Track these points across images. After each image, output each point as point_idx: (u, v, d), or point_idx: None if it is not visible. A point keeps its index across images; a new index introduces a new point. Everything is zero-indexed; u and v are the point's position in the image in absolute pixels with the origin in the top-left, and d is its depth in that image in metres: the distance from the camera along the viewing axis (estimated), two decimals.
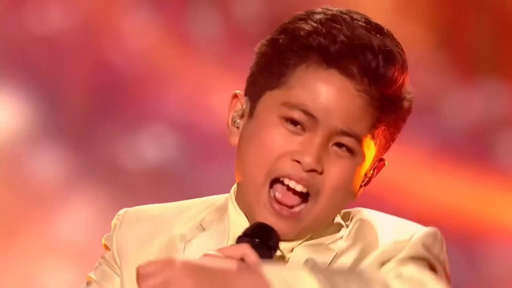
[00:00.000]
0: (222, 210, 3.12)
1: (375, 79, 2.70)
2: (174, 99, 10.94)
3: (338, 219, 3.06)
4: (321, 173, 2.84)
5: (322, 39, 2.79)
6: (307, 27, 2.85)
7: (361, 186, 3.05)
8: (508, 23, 11.93)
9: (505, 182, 9.73)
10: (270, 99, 2.87)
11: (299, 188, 2.84)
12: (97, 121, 10.06)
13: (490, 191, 9.74)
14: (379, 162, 3.12)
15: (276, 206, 2.91)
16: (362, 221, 3.05)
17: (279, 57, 2.84)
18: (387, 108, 2.80)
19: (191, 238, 3.06)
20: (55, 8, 9.94)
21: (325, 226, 3.00)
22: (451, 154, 10.79)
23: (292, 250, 2.89)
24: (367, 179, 3.09)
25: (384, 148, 2.97)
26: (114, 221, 3.07)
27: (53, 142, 9.55)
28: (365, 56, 2.66)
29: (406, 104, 2.84)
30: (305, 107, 2.81)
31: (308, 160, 2.78)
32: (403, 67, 2.75)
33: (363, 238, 2.97)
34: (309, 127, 2.82)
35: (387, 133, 2.93)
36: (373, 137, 2.93)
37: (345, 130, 2.79)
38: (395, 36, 2.86)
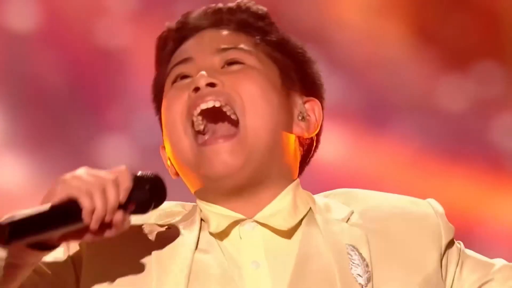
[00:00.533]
0: (191, 214, 3.19)
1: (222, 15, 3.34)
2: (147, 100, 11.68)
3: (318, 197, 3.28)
4: (223, 85, 3.16)
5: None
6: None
7: (297, 120, 3.37)
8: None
9: (498, 175, 9.24)
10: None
11: (211, 104, 3.09)
12: (63, 126, 9.15)
13: (483, 185, 9.51)
14: (309, 100, 3.47)
15: (211, 141, 3.13)
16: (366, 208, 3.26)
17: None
18: (247, 29, 3.37)
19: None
20: (15, 8, 9.44)
21: (285, 175, 3.24)
22: (439, 151, 10.71)
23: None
24: (300, 113, 3.39)
25: (276, 63, 3.42)
26: None
27: (15, 149, 9.10)
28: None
29: (261, 23, 3.42)
30: (180, 58, 3.29)
31: (198, 78, 3.10)
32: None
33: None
34: (193, 68, 3.21)
35: (267, 48, 3.39)
36: (252, 51, 3.38)
37: (220, 47, 3.30)
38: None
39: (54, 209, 2.35)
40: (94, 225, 2.47)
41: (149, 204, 2.67)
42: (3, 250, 2.41)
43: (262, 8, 3.73)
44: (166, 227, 3.13)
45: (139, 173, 2.64)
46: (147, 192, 2.65)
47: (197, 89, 3.13)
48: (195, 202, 3.34)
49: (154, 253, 3.05)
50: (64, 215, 2.39)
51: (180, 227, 3.13)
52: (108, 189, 2.51)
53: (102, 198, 2.45)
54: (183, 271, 2.93)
